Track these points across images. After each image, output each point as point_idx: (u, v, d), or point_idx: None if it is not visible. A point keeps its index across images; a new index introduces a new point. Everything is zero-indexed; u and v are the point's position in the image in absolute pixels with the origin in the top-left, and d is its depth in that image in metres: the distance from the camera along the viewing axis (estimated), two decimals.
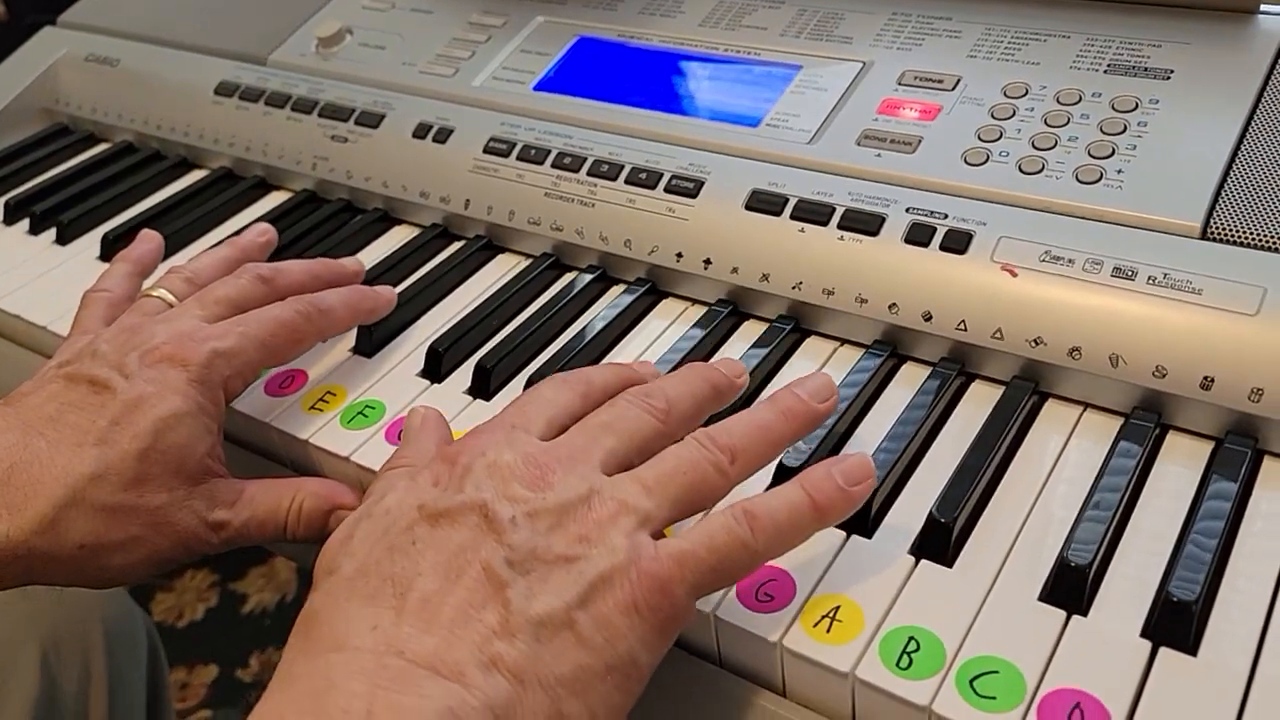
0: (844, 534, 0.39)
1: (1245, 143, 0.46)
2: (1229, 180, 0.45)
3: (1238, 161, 0.45)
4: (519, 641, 0.30)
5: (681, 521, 0.36)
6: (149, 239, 0.54)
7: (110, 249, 0.63)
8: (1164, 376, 0.41)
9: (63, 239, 0.66)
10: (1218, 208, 0.44)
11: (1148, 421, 0.41)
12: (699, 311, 0.52)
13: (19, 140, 0.78)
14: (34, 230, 0.67)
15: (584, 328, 0.52)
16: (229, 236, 0.62)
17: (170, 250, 0.62)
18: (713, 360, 0.41)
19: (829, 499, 0.34)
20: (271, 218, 0.64)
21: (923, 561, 0.37)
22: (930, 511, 0.38)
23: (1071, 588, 0.35)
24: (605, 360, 0.50)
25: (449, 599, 0.31)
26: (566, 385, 0.39)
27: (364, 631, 0.30)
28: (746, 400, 0.46)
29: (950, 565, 0.37)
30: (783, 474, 0.41)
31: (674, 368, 0.47)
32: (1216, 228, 0.43)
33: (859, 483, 0.35)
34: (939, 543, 0.38)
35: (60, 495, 0.39)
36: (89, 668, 0.60)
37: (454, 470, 0.35)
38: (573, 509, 0.33)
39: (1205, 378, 0.40)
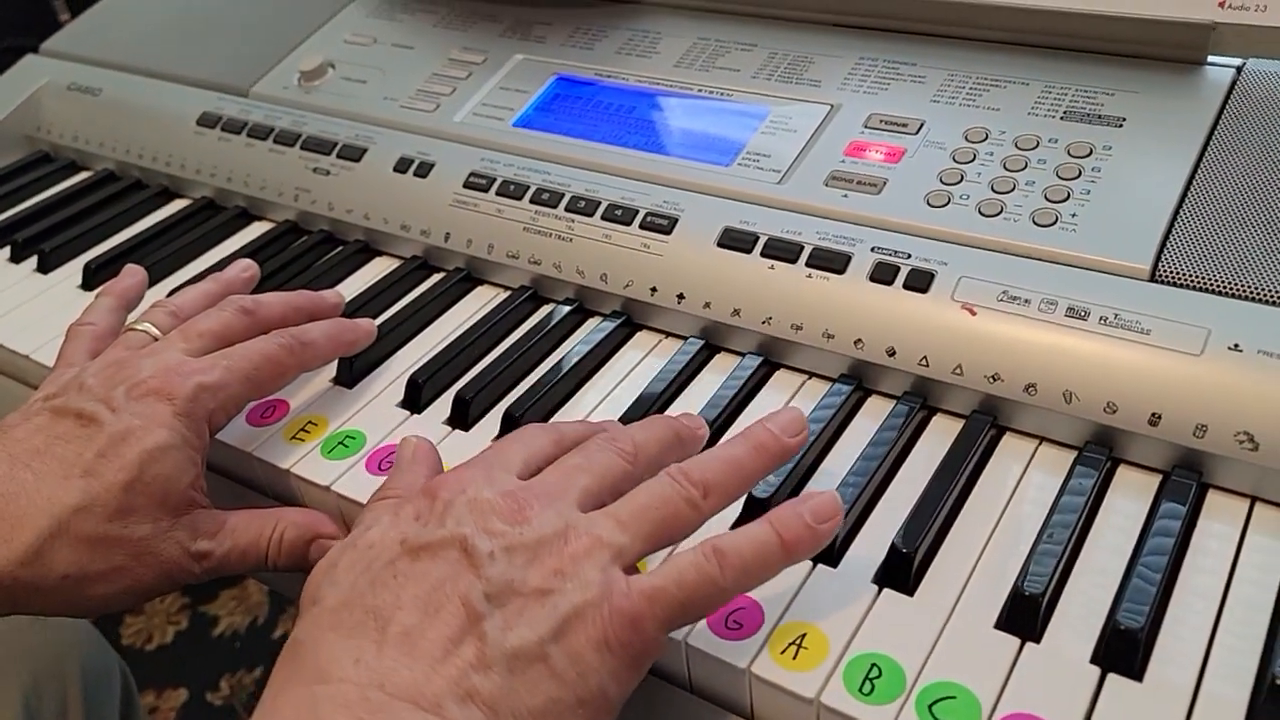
0: (810, 564, 0.40)
1: (1192, 189, 0.48)
2: (1176, 225, 0.47)
3: (1185, 207, 0.48)
4: (494, 674, 0.32)
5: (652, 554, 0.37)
6: (133, 274, 0.55)
7: (92, 278, 0.64)
8: (1114, 412, 0.43)
9: (44, 268, 0.66)
10: (1166, 251, 0.46)
11: (1099, 455, 0.43)
12: (674, 344, 0.54)
13: (0, 167, 0.78)
14: (15, 259, 0.68)
15: (561, 359, 0.53)
16: (211, 266, 0.64)
17: (152, 280, 0.62)
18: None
19: (797, 536, 0.36)
20: (253, 248, 0.66)
21: (885, 590, 0.39)
22: (893, 542, 0.40)
23: (1026, 616, 0.37)
24: (581, 391, 0.52)
25: (428, 632, 0.32)
26: (541, 432, 0.41)
27: (347, 664, 0.32)
28: (715, 432, 0.48)
29: (911, 594, 0.39)
30: (752, 505, 0.43)
31: (648, 411, 0.49)
32: (1165, 270, 0.46)
33: (826, 520, 0.36)
34: (901, 572, 0.39)
35: (46, 526, 0.40)
36: (66, 705, 0.61)
37: (435, 505, 0.36)
38: (549, 543, 0.34)
39: (1153, 414, 0.42)
